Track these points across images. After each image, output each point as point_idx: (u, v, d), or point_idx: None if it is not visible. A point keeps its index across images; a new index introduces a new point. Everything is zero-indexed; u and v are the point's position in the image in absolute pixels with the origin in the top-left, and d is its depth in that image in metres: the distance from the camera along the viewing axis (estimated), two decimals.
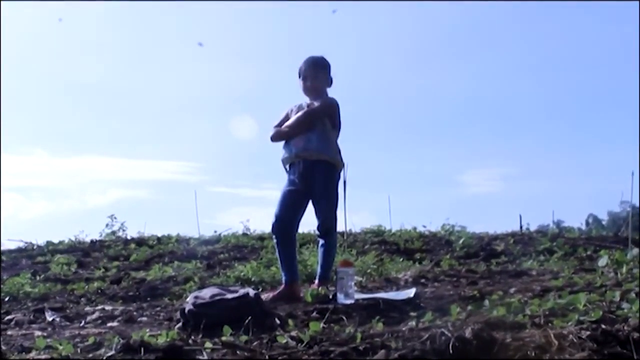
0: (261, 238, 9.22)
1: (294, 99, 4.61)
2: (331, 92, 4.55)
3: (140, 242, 9.36)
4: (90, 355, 2.49)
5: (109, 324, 3.57)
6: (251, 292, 3.39)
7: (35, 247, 9.10)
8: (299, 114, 4.42)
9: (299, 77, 4.50)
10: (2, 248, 8.84)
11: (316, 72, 4.46)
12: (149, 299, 4.86)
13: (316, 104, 4.42)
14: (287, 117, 4.51)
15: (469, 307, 3.08)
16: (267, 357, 2.34)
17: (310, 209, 4.41)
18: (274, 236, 4.46)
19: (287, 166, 4.44)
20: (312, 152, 4.33)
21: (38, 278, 6.28)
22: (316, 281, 4.38)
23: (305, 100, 4.52)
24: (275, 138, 4.50)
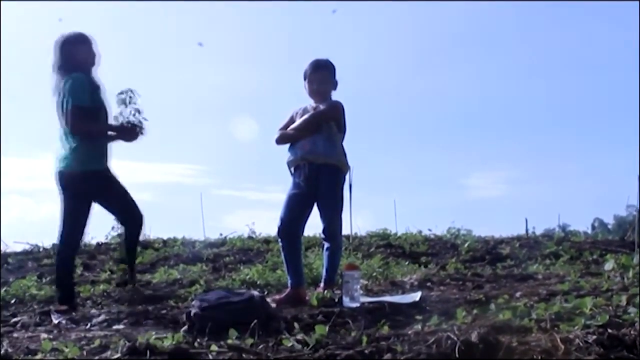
0: (267, 241, 9.24)
1: (298, 102, 4.62)
2: (336, 94, 4.56)
3: (146, 244, 9.37)
4: (96, 357, 2.50)
5: (115, 327, 3.57)
6: (257, 295, 3.39)
7: (41, 249, 9.12)
8: (306, 116, 4.41)
9: (304, 79, 4.51)
10: (9, 250, 8.88)
11: (322, 75, 4.46)
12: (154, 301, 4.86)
13: (322, 107, 4.42)
14: (292, 120, 4.51)
15: (475, 311, 3.08)
16: None
17: (315, 212, 4.41)
18: (279, 239, 4.46)
19: (293, 169, 4.44)
20: (318, 155, 4.32)
21: (44, 280, 6.30)
22: (322, 284, 4.38)
23: (310, 103, 4.52)
24: (280, 141, 4.51)
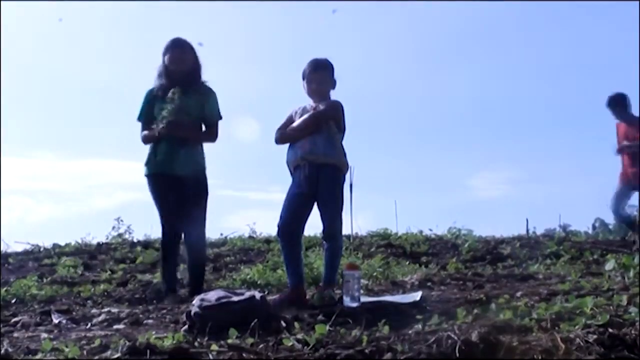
0: (267, 241, 9.22)
1: (299, 101, 4.61)
2: (337, 94, 4.55)
3: (147, 244, 9.35)
4: (96, 357, 2.49)
5: (115, 327, 3.57)
6: (257, 295, 3.39)
7: (42, 249, 9.12)
8: (305, 116, 4.40)
9: (303, 79, 4.50)
10: (9, 250, 8.88)
11: (321, 75, 4.46)
12: (155, 301, 4.86)
13: (321, 106, 4.41)
14: (290, 119, 4.50)
15: (475, 311, 3.07)
16: (273, 359, 2.34)
17: (315, 211, 4.40)
18: (279, 239, 4.46)
19: (293, 168, 4.43)
20: (318, 155, 4.31)
21: (44, 280, 6.30)
22: (322, 284, 4.38)
23: (309, 102, 4.51)
24: (280, 140, 4.50)
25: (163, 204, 4.90)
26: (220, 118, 5.00)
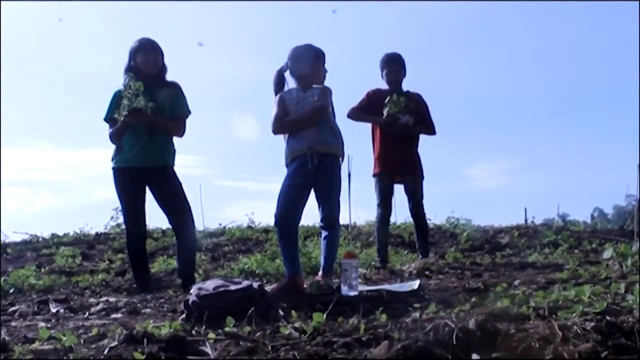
0: (266, 231, 9.22)
1: None
2: (336, 87, 4.51)
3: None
4: (94, 346, 2.50)
5: (113, 316, 3.57)
6: (255, 284, 3.39)
7: (40, 239, 9.12)
8: (308, 109, 4.35)
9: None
10: (8, 240, 8.88)
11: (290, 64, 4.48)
12: (153, 290, 4.86)
13: (317, 98, 4.37)
14: (284, 107, 4.44)
15: (473, 299, 3.08)
16: (270, 347, 2.34)
17: (311, 201, 4.39)
18: (277, 229, 4.45)
19: (291, 158, 4.40)
20: (324, 144, 4.31)
21: (43, 270, 6.30)
22: (320, 273, 4.38)
23: (292, 85, 4.51)
24: (280, 131, 4.46)
25: (128, 201, 4.87)
26: (189, 113, 4.93)
